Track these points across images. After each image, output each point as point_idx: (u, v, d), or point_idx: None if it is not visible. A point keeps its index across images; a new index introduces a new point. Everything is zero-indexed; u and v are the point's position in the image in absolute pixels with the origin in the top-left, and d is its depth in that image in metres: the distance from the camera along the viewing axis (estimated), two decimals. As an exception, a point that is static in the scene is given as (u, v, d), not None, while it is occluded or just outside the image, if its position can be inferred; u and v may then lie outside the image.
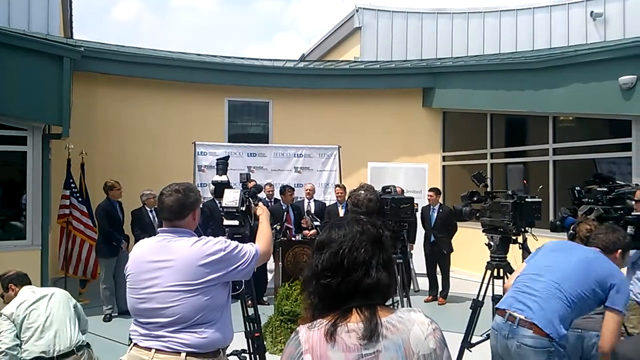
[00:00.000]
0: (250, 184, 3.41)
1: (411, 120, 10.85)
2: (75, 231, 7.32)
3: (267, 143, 10.14)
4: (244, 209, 3.08)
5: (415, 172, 9.58)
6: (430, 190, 7.95)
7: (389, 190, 3.83)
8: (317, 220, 7.24)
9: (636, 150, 7.25)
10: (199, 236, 2.44)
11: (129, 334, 2.41)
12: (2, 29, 7.23)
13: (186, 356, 2.25)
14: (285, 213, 7.61)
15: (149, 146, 9.63)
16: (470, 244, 7.09)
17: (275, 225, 7.25)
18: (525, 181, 7.36)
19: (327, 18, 43.76)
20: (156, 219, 7.06)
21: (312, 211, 7.85)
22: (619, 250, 2.93)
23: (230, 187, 3.31)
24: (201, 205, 7.90)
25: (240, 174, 3.45)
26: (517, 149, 9.72)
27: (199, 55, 11.33)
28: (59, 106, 6.83)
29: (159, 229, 2.51)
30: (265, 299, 7.33)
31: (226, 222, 3.06)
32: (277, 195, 8.05)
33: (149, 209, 7.05)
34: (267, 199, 7.87)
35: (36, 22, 10.30)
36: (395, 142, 10.65)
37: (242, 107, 10.66)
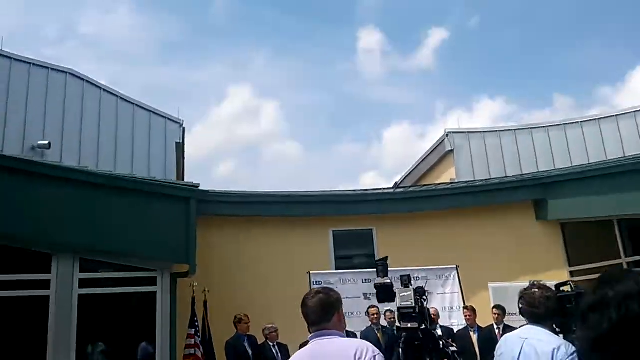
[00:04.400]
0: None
1: (526, 235, 10.26)
2: (200, 371, 7.14)
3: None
4: (417, 310, 2.82)
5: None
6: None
7: (566, 288, 3.39)
8: (453, 346, 6.57)
9: None
10: None
11: None
12: (142, 178, 7.96)
13: None
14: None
15: (264, 280, 9.65)
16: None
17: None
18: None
19: (407, 155, 45.30)
20: (279, 354, 6.78)
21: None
22: None
23: (393, 290, 3.08)
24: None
25: (401, 276, 3.24)
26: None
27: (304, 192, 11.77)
28: (186, 245, 7.13)
29: (310, 336, 2.38)
30: None
31: (402, 324, 2.79)
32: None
33: (271, 344, 6.87)
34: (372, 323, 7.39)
35: (155, 173, 11.34)
36: (512, 259, 9.97)
37: (346, 237, 10.63)
